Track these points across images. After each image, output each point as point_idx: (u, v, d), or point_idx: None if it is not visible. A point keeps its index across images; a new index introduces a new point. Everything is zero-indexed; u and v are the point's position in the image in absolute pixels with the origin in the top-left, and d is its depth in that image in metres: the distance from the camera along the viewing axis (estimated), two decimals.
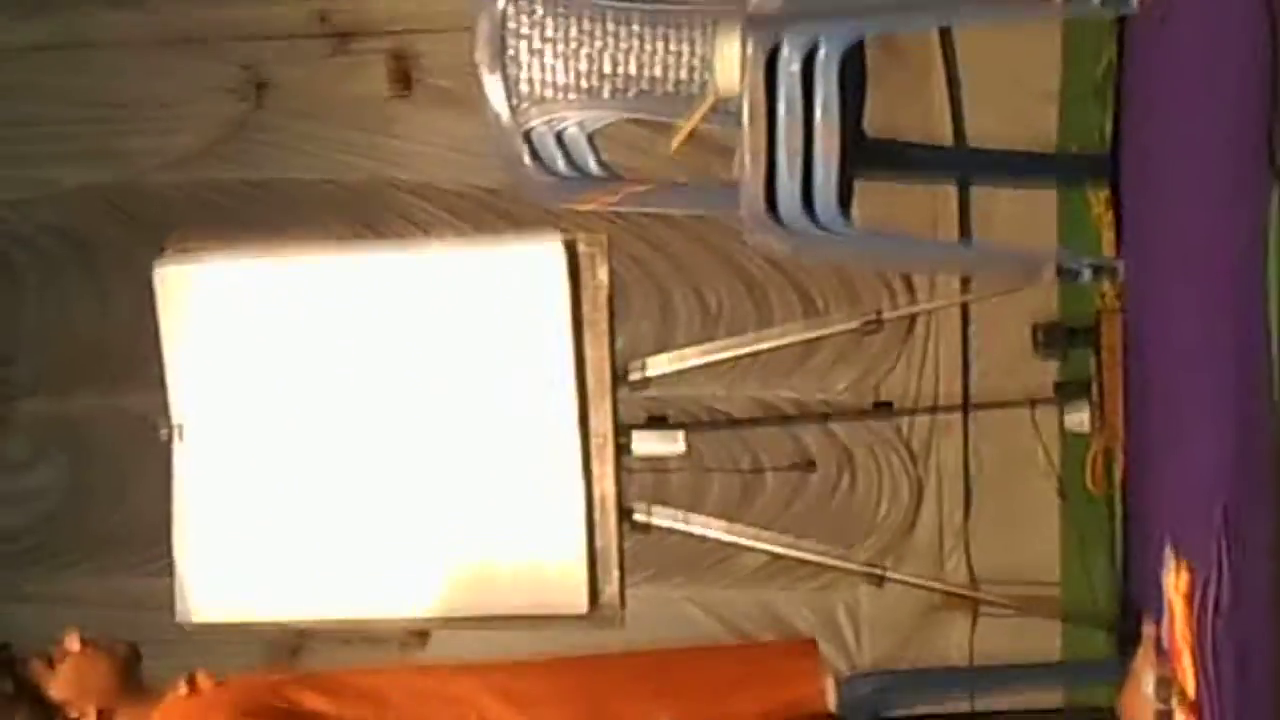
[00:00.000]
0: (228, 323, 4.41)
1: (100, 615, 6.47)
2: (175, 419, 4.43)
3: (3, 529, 7.21)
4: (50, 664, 3.38)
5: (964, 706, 4.33)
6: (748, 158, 3.81)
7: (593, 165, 4.17)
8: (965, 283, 6.16)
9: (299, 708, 3.28)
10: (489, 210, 6.80)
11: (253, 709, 3.27)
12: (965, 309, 6.77)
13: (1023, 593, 6.10)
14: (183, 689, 3.38)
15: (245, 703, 3.29)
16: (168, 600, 4.52)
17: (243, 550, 4.41)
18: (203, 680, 3.40)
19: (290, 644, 6.93)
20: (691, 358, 5.07)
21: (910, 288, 6.78)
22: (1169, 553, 3.03)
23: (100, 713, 3.39)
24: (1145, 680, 3.05)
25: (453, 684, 3.32)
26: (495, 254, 4.35)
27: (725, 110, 3.88)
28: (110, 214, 7.05)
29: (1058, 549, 6.47)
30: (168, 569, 4.53)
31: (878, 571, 4.38)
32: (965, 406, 6.64)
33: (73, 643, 3.43)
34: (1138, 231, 3.85)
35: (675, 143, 3.94)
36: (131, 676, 3.44)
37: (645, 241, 7.00)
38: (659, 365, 4.77)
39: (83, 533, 7.17)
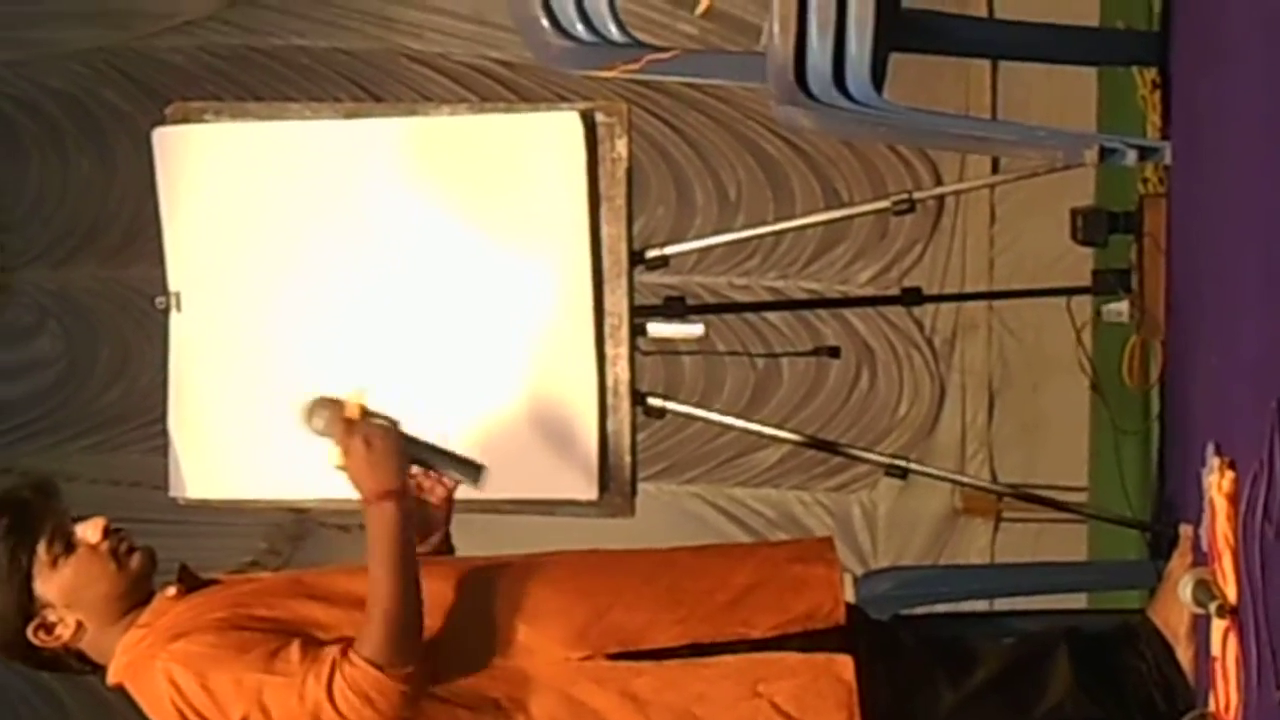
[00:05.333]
0: (229, 189, 4.24)
1: (98, 492, 6.40)
2: (173, 286, 4.27)
3: (0, 402, 7.12)
4: (55, 559, 3.05)
5: (984, 608, 4.22)
6: (777, 25, 3.67)
7: (613, 30, 4.03)
8: (995, 169, 6.01)
9: (292, 614, 3.09)
10: (504, 85, 6.67)
11: (242, 620, 3.06)
12: (994, 200, 6.63)
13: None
14: (170, 591, 3.15)
15: (234, 616, 3.06)
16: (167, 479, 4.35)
17: (240, 426, 4.25)
18: (189, 579, 3.20)
19: (291, 532, 6.86)
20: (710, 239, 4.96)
21: (938, 176, 6.64)
22: (1212, 450, 2.88)
23: (79, 625, 3.08)
24: (1182, 584, 2.90)
25: (453, 590, 3.15)
26: (509, 123, 4.17)
27: None
28: (114, 78, 6.94)
29: (1086, 454, 6.33)
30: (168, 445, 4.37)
31: (900, 463, 4.20)
32: (991, 294, 6.50)
33: (94, 533, 3.10)
34: (1189, 112, 3.68)
35: (701, 7, 3.78)
36: (136, 592, 3.12)
37: (663, 123, 6.85)
38: (677, 246, 4.60)
39: (82, 408, 7.11)
